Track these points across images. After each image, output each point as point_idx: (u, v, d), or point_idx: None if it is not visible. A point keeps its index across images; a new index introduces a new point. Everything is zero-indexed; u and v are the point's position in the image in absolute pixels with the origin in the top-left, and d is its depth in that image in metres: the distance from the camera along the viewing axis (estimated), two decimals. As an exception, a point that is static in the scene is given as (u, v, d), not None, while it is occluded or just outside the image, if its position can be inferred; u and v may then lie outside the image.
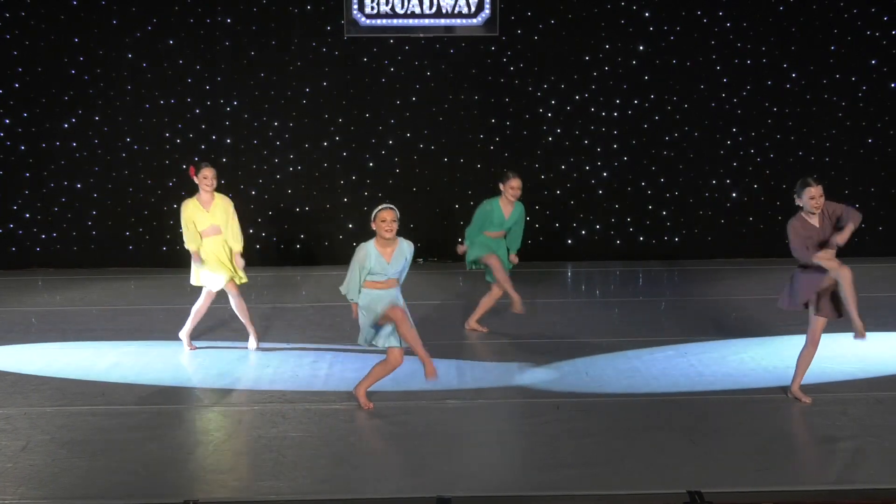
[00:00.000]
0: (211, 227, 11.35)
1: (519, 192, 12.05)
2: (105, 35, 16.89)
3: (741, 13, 17.26)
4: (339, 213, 17.30)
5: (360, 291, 9.08)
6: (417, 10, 16.94)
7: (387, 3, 16.88)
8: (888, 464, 7.89)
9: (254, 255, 16.31)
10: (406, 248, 9.24)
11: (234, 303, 11.48)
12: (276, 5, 17.00)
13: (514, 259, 12.23)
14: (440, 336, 11.89)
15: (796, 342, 9.75)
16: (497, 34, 17.09)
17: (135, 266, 16.96)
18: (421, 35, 17.12)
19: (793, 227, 9.09)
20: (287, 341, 11.88)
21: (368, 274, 9.06)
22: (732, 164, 17.56)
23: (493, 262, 11.95)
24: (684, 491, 7.17)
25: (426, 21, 17.00)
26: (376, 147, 17.43)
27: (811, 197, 9.00)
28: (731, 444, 8.34)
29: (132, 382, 10.23)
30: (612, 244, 17.72)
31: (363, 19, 16.93)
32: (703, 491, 7.16)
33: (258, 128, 17.24)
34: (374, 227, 9.14)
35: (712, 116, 17.50)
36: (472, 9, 16.95)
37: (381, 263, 9.06)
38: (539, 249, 16.89)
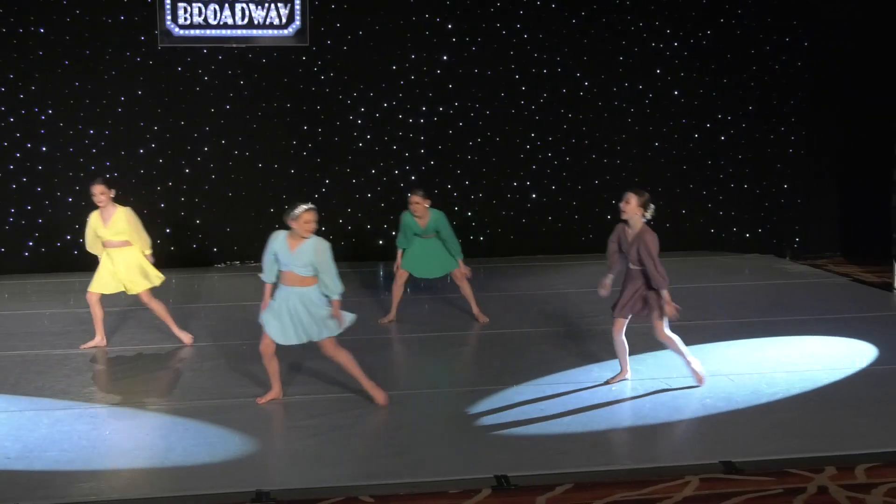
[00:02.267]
0: (108, 241, 11.23)
1: (417, 207, 12.46)
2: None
3: (537, 26, 17.58)
4: (157, 219, 16.94)
5: (276, 276, 9.09)
6: (230, 21, 16.70)
7: (199, 14, 16.59)
8: (674, 444, 8.12)
9: (72, 261, 15.89)
10: (311, 244, 8.96)
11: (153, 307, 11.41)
12: (89, 15, 16.50)
13: (464, 270, 12.56)
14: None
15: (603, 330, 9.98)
16: (307, 44, 16.99)
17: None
18: (234, 45, 16.89)
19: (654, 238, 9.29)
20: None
21: (276, 262, 9.01)
22: (532, 166, 17.87)
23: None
24: (492, 475, 7.26)
25: (239, 32, 16.78)
26: (192, 154, 17.13)
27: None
28: (535, 430, 8.47)
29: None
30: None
31: (176, 30, 16.60)
32: (508, 474, 7.27)
33: (73, 136, 16.72)
34: (294, 225, 8.94)
35: (512, 122, 17.78)
36: (284, 20, 16.81)
37: (285, 253, 8.95)
38: (350, 251, 16.87)
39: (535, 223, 17.95)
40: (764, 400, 9.22)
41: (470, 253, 17.46)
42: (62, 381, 10.06)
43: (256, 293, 14.81)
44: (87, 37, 16.57)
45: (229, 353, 11.11)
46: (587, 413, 8.91)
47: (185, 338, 11.52)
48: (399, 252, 12.74)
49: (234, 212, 17.17)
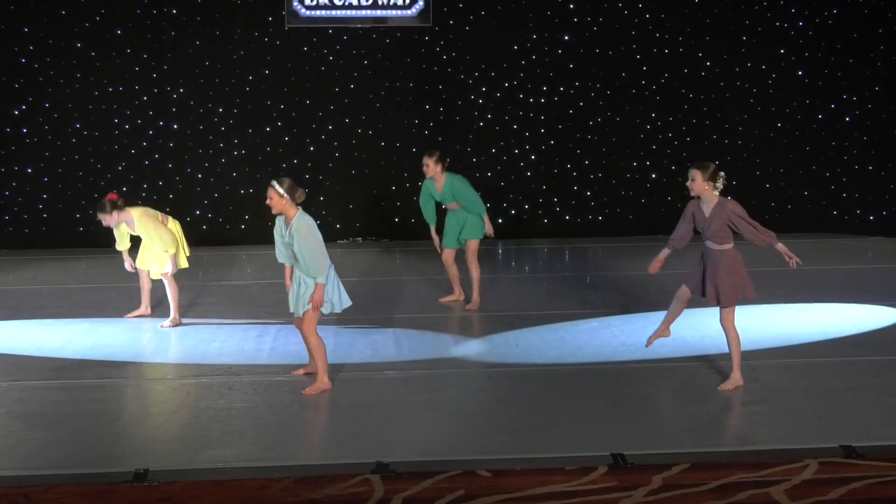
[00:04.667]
0: None
1: (427, 170, 11.89)
2: (54, 24, 16.64)
3: (659, 5, 17.38)
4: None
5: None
6: (355, 2, 16.87)
7: (325, -5, 16.80)
8: (795, 425, 8.01)
9: (200, 236, 16.20)
10: (294, 222, 8.64)
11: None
12: (219, -3, 16.87)
13: (488, 227, 11.99)
14: (379, 310, 11.91)
15: (710, 313, 9.82)
16: (430, 25, 17.07)
17: (85, 247, 16.72)
18: (358, 25, 17.04)
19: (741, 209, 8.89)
20: (233, 317, 11.79)
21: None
22: (651, 146, 17.69)
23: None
24: (608, 453, 7.23)
25: (363, 12, 16.93)
26: (316, 132, 17.36)
27: None
28: (652, 409, 8.42)
29: (84, 358, 10.11)
30: (540, 223, 17.80)
31: (303, 10, 16.82)
32: (625, 453, 7.23)
33: (203, 114, 17.09)
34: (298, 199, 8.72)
35: (633, 102, 17.62)
36: (407, 1, 16.90)
37: (281, 229, 8.80)
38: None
39: (654, 203, 17.77)
40: (886, 384, 9.00)
41: (589, 232, 17.53)
42: (190, 351, 10.30)
43: (377, 268, 15.08)
44: (217, 18, 16.89)
45: (350, 326, 11.24)
46: (703, 393, 8.80)
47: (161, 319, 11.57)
48: (432, 230, 12.22)
49: (356, 189, 17.36)
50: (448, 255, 12.18)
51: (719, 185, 8.82)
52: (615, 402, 8.54)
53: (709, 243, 8.84)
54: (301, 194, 8.72)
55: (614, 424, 8.04)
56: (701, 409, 8.42)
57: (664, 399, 8.72)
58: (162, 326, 11.29)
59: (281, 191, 8.64)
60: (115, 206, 11.23)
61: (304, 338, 8.94)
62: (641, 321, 11.36)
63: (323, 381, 8.85)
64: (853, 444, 7.39)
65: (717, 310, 8.86)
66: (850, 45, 17.39)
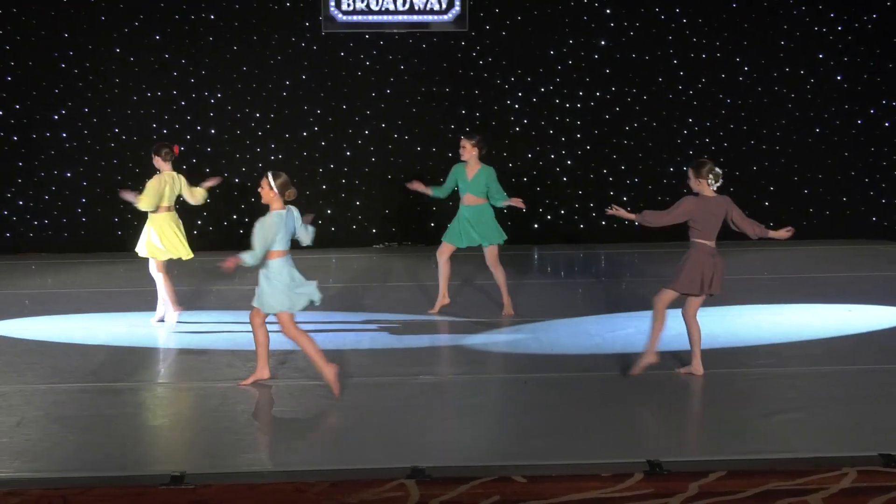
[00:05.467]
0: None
1: (462, 152, 11.62)
2: (94, 30, 16.77)
3: (696, 10, 17.31)
4: (318, 200, 17.22)
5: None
6: (391, 7, 16.90)
7: (362, 1, 16.83)
8: (833, 432, 7.93)
9: (237, 240, 16.23)
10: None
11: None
12: (257, 2, 16.93)
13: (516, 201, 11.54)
14: (413, 314, 11.90)
15: (749, 316, 9.78)
16: (467, 30, 17.08)
17: (123, 251, 16.78)
18: (395, 31, 17.07)
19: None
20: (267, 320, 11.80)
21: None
22: (688, 152, 17.60)
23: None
24: (644, 460, 7.19)
25: (400, 17, 16.96)
26: (352, 137, 17.40)
27: None
28: (689, 416, 8.36)
29: (122, 360, 10.17)
30: (576, 228, 17.75)
31: (340, 16, 16.88)
32: (661, 460, 7.18)
33: (240, 119, 17.17)
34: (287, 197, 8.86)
35: (669, 107, 17.54)
36: (444, 6, 16.92)
37: None
38: (507, 234, 16.86)
39: (690, 209, 17.65)
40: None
41: (625, 238, 17.44)
42: (227, 356, 10.33)
43: (413, 273, 15.09)
44: (254, 23, 16.97)
45: (386, 331, 11.25)
46: (740, 400, 8.74)
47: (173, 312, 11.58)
48: (425, 187, 11.95)
49: (392, 194, 17.37)
50: (448, 250, 11.81)
51: (711, 180, 8.98)
52: (651, 408, 8.49)
53: (703, 241, 9.03)
54: (292, 193, 8.84)
55: (650, 431, 7.99)
56: (737, 416, 8.36)
57: (700, 405, 8.66)
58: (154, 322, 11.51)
59: (273, 184, 8.76)
60: (169, 157, 11.47)
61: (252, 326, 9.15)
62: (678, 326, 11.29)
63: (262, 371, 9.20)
64: (892, 453, 7.31)
65: (742, 313, 8.88)
66: (889, 49, 17.24)
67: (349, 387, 9.06)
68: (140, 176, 16.92)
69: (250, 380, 9.17)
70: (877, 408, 8.48)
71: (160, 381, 9.61)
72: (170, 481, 6.83)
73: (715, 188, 9.00)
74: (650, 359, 9.10)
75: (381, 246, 17.46)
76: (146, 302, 12.88)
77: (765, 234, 9.01)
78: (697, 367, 9.18)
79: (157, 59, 16.95)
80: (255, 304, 8.97)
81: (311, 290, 8.83)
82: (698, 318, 9.17)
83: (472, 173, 11.65)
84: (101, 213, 17.08)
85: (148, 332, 11.35)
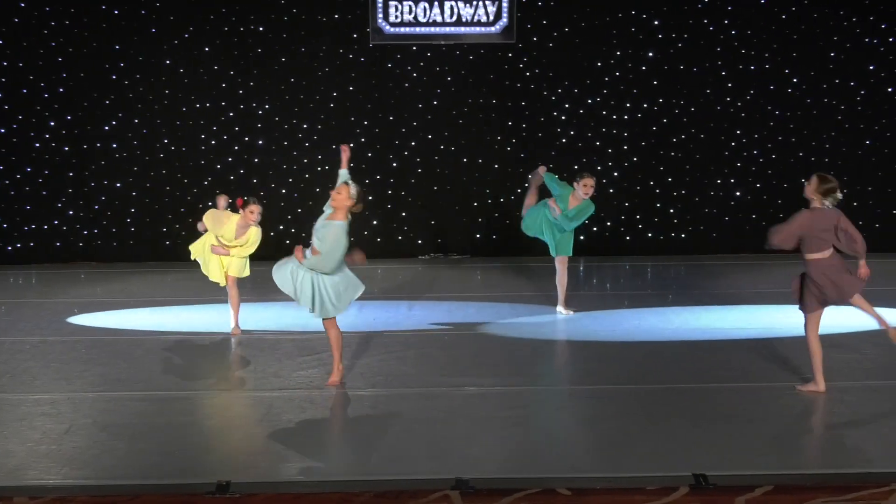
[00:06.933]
0: (222, 248, 11.69)
1: (590, 191, 12.42)
2: (144, 42, 16.95)
3: (745, 21, 17.21)
4: (364, 211, 17.21)
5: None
6: (439, 19, 16.94)
7: (410, 12, 16.88)
8: (882, 448, 7.84)
9: (285, 251, 16.31)
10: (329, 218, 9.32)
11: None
12: (305, 14, 17.04)
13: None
14: (459, 326, 11.91)
15: (796, 335, 9.67)
16: (514, 41, 17.08)
17: (172, 260, 16.97)
18: (442, 42, 17.11)
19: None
20: (316, 328, 11.86)
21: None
22: (736, 164, 17.50)
23: None
24: (690, 473, 7.14)
25: (447, 29, 17.00)
26: (399, 148, 17.45)
27: None
28: (735, 430, 8.29)
29: (169, 369, 10.25)
30: (622, 240, 17.68)
31: (387, 27, 16.94)
32: (707, 473, 7.13)
33: (288, 130, 17.28)
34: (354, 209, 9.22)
35: (717, 119, 17.45)
36: (491, 18, 16.94)
37: None
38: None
39: (738, 221, 17.56)
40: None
41: (670, 251, 17.37)
42: (273, 365, 10.38)
43: (458, 285, 15.09)
44: (302, 35, 17.08)
45: (432, 342, 11.25)
46: (787, 414, 8.66)
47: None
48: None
49: (438, 205, 17.40)
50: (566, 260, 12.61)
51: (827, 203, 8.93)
52: (697, 422, 8.43)
53: (817, 254, 8.96)
54: (360, 207, 9.18)
55: (697, 444, 7.93)
56: (785, 431, 8.28)
57: (748, 419, 8.59)
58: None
59: (354, 192, 9.11)
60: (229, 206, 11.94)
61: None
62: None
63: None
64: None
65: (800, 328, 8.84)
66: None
67: (394, 397, 9.07)
68: (189, 186, 17.12)
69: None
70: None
71: (207, 389, 9.67)
72: (215, 490, 6.87)
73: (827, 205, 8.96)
74: (815, 388, 9.11)
75: (428, 257, 17.49)
76: (193, 313, 12.99)
77: (864, 254, 9.14)
78: (820, 383, 9.06)
79: (206, 71, 17.10)
80: (318, 315, 9.23)
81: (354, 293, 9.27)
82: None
83: (576, 203, 12.47)
84: (149, 224, 17.24)
85: (195, 343, 11.42)
